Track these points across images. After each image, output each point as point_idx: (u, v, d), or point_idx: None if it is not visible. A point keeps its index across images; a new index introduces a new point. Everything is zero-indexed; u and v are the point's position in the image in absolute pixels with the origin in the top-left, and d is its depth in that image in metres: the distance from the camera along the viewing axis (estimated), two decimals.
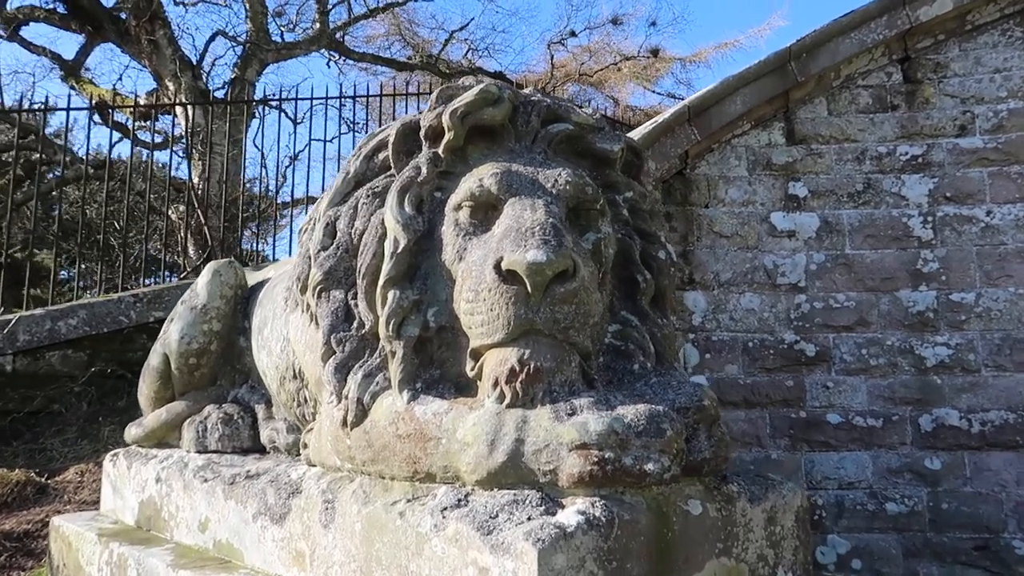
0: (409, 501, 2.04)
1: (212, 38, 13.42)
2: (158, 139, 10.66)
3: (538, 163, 2.30)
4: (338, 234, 2.44)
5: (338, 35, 14.45)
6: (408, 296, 2.22)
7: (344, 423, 2.24)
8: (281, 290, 3.03)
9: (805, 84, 5.64)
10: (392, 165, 2.42)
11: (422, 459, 2.05)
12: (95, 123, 10.21)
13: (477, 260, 2.10)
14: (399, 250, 2.23)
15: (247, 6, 11.54)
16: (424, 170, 2.32)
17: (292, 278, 2.67)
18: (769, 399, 5.34)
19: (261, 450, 3.26)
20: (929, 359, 5.15)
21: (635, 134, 5.51)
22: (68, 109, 8.10)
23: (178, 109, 9.05)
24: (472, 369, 2.12)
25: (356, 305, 2.33)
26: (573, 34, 17.48)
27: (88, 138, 7.82)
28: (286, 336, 2.85)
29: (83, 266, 11.50)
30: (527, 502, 1.83)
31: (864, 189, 5.48)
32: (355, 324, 2.32)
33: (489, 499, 1.87)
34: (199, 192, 8.69)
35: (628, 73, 17.77)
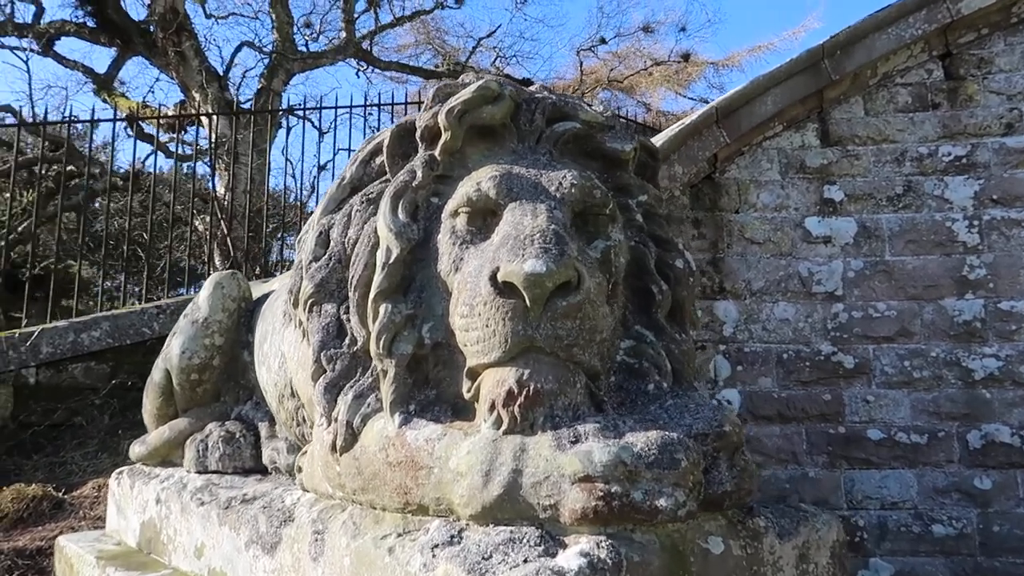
0: (400, 535, 1.86)
1: (238, 49, 13.48)
2: (187, 151, 10.72)
3: (542, 165, 2.11)
4: (331, 244, 2.28)
5: (365, 44, 14.46)
6: (401, 310, 2.05)
7: (333, 447, 2.08)
8: (280, 303, 2.89)
9: (840, 83, 5.37)
10: (388, 170, 2.26)
11: (413, 490, 1.87)
12: (128, 135, 10.29)
13: (473, 271, 1.93)
14: (391, 260, 2.06)
15: (273, 16, 11.57)
16: (419, 174, 2.15)
17: (287, 291, 2.52)
18: (805, 413, 5.07)
19: (264, 470, 3.11)
20: (977, 371, 4.84)
21: (661, 137, 5.31)
22: (92, 121, 8.14)
23: (204, 120, 9.06)
24: (469, 390, 1.94)
25: (348, 320, 2.17)
26: (603, 41, 17.27)
27: (113, 149, 7.81)
28: (283, 352, 2.71)
29: (116, 277, 11.59)
30: (524, 541, 1.64)
31: (904, 192, 5.19)
32: (347, 340, 2.16)
33: (483, 537, 1.69)
34: (224, 202, 8.66)
35: (659, 78, 17.50)
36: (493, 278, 1.83)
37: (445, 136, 2.13)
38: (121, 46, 10.71)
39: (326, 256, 2.27)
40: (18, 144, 8.34)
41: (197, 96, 9.59)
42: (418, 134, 2.21)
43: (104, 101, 10.94)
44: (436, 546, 1.71)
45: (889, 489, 4.81)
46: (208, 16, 14.47)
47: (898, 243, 5.10)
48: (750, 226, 5.30)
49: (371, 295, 2.07)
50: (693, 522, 1.74)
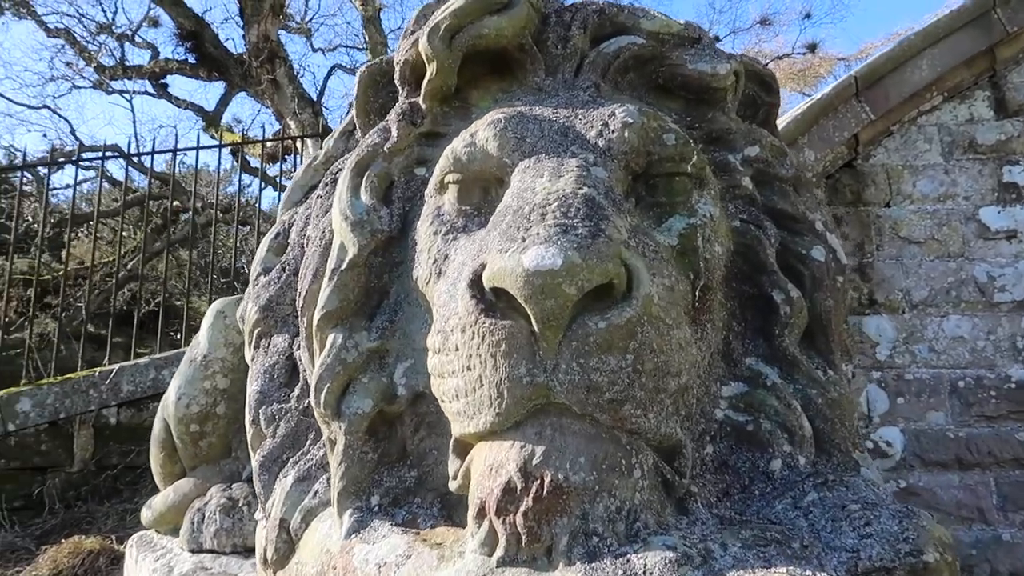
0: None
1: (330, 73, 13.30)
2: (287, 181, 10.56)
3: (580, 104, 1.32)
4: (288, 248, 1.57)
5: None
6: (357, 343, 1.29)
7: (264, 560, 1.34)
8: None
9: (1017, 37, 4.24)
10: (360, 132, 1.53)
11: None
12: (233, 166, 10.27)
13: (453, 275, 1.15)
14: (343, 265, 1.32)
15: (366, 37, 11.33)
16: (395, 133, 1.40)
17: None
18: (994, 458, 3.98)
19: None
20: None
21: (785, 118, 4.35)
22: (197, 148, 8.01)
23: (299, 145, 8.85)
24: (456, 476, 1.15)
25: (300, 359, 1.44)
26: (717, 39, 16.04)
27: (218, 179, 7.65)
28: None
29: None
30: None
31: None
32: (297, 390, 1.43)
33: None
34: None
35: (784, 76, 16.05)
36: (475, 283, 1.04)
37: (431, 71, 1.37)
38: (219, 78, 10.79)
39: (278, 266, 1.56)
40: (127, 177, 8.34)
41: (292, 123, 9.40)
42: (396, 75, 1.47)
43: (212, 137, 11.02)
44: None
45: None
46: (315, 50, 14.56)
47: None
48: (906, 222, 4.25)
49: (315, 320, 1.32)
50: None
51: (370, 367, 1.29)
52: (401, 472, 1.28)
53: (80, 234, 10.93)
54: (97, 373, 6.17)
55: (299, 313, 1.41)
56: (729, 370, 1.29)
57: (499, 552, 0.99)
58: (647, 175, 1.25)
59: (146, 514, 3.02)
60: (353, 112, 1.60)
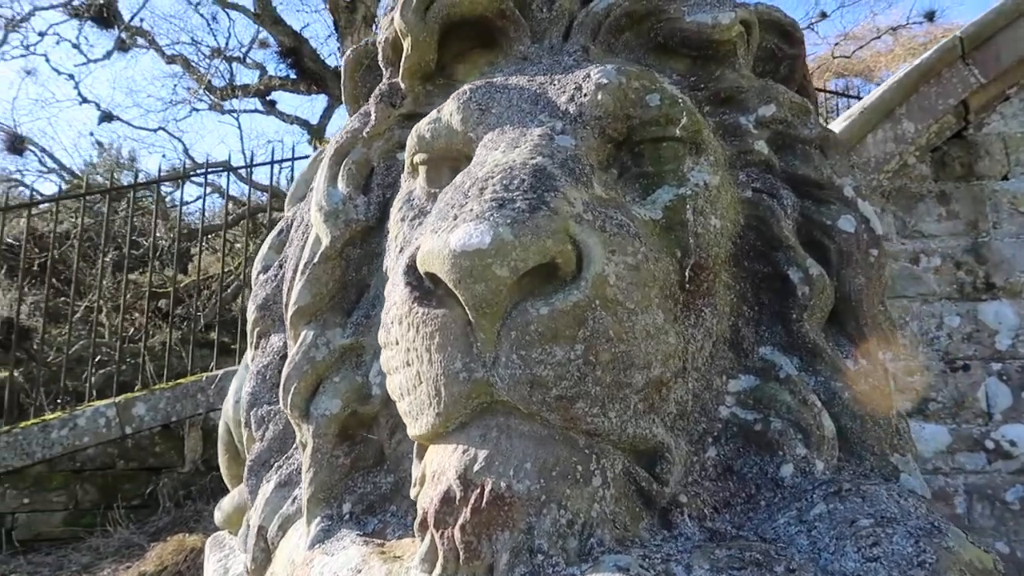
0: None
1: None
2: None
3: (563, 69, 1.19)
4: (287, 245, 1.51)
5: None
6: (329, 340, 1.22)
7: (247, 570, 1.28)
8: None
9: None
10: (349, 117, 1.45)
11: None
12: None
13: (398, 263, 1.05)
14: (315, 259, 1.25)
15: None
16: (373, 115, 1.32)
17: None
18: None
19: None
20: None
21: (882, 88, 3.99)
22: (292, 159, 8.32)
23: None
24: (416, 482, 1.04)
25: None
26: (824, 15, 15.07)
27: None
28: None
29: None
30: None
31: None
32: None
33: None
34: None
35: (902, 53, 14.94)
36: (411, 269, 0.94)
37: (406, 47, 1.28)
38: (319, 91, 11.20)
39: (276, 263, 1.50)
40: (228, 189, 8.74)
41: None
42: (380, 56, 1.39)
43: (315, 149, 11.45)
44: None
45: None
46: None
47: None
48: None
49: (287, 316, 1.26)
50: None
51: (344, 366, 1.21)
52: (377, 478, 1.19)
53: (195, 247, 11.56)
54: (204, 378, 6.47)
55: (284, 309, 1.35)
56: (739, 361, 1.12)
57: (437, 570, 0.88)
58: (630, 142, 1.10)
59: (217, 515, 3.08)
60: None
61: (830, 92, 10.60)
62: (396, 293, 0.95)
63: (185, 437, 6.33)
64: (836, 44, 15.01)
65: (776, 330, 1.14)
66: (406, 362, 0.94)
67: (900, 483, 1.04)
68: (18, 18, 11.98)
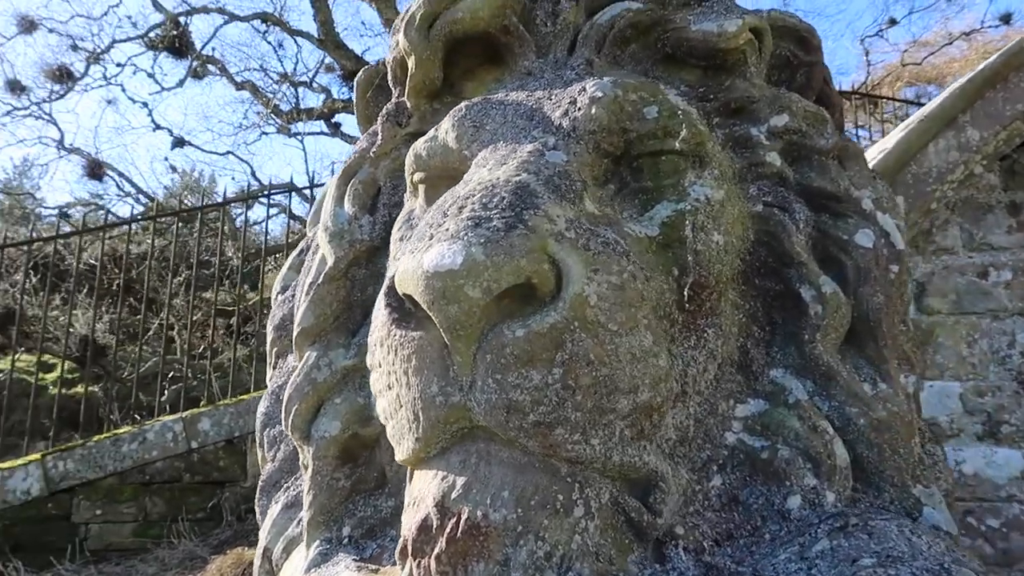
0: None
1: None
2: None
3: (563, 84, 1.16)
4: (304, 264, 1.52)
5: None
6: (331, 361, 1.21)
7: None
8: None
9: None
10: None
11: None
12: None
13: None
14: (320, 279, 1.25)
15: None
16: (381, 135, 1.32)
17: None
18: None
19: None
20: None
21: (942, 95, 3.81)
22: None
23: None
24: (406, 507, 1.02)
25: None
26: (893, 22, 14.55)
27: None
28: None
29: None
30: None
31: None
32: None
33: None
34: None
35: (976, 58, 14.29)
36: (390, 291, 0.92)
37: (411, 65, 1.27)
38: None
39: (294, 284, 1.51)
40: (290, 207, 9.00)
41: None
42: (389, 75, 1.39)
43: None
44: None
45: None
46: None
47: None
48: None
49: (293, 337, 1.26)
50: None
51: (346, 387, 1.20)
52: (378, 501, 1.17)
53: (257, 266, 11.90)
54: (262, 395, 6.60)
55: (295, 329, 1.36)
56: (748, 384, 1.06)
57: None
58: (629, 156, 1.06)
59: None
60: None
61: (900, 100, 10.23)
62: (378, 315, 0.94)
63: (247, 452, 6.47)
64: (905, 51, 14.47)
65: (789, 352, 1.08)
66: (388, 385, 0.92)
67: (922, 517, 0.97)
68: (99, 51, 12.62)
